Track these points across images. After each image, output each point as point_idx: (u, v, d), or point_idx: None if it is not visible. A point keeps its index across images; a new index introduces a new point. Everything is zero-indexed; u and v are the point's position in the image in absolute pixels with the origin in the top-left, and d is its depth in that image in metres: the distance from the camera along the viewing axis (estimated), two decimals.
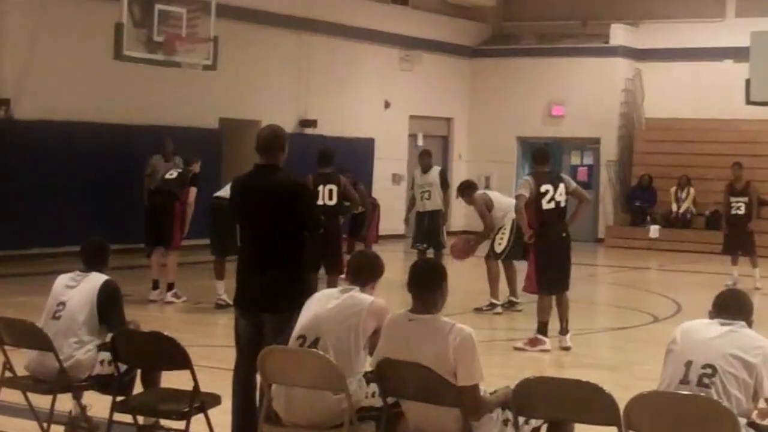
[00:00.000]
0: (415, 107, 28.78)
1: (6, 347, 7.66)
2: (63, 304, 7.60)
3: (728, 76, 26.19)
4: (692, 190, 27.19)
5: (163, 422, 7.26)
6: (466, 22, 30.53)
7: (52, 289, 7.78)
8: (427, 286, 6.21)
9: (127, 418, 7.19)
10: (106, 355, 7.43)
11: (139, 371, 7.52)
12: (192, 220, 15.82)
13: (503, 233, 15.19)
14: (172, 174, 15.89)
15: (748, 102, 21.41)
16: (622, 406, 5.57)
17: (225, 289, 14.55)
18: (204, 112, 22.67)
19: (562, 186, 12.57)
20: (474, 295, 15.78)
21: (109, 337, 7.43)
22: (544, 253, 12.48)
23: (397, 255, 22.04)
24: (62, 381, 7.39)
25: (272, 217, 7.54)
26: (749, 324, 6.00)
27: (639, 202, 28.11)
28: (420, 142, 28.42)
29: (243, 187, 7.91)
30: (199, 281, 17.09)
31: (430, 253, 16.90)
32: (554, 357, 12.37)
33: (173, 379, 7.35)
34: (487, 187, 22.95)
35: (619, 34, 29.23)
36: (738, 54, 24.09)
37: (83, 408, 7.71)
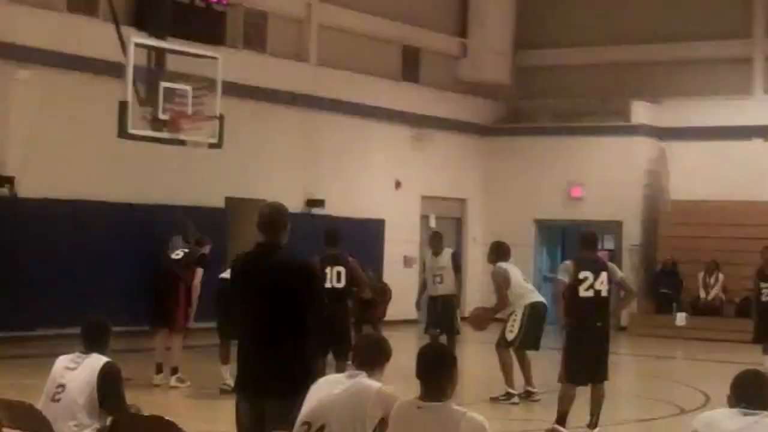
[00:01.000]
0: (427, 187, 28.55)
1: (5, 430, 7.58)
2: (63, 386, 7.53)
3: (757, 155, 25.86)
4: (721, 276, 26.43)
5: None
6: (479, 100, 30.39)
7: (51, 370, 7.70)
8: (435, 372, 6.03)
9: None
10: None
11: None
12: (198, 301, 15.65)
13: (514, 320, 14.85)
14: (178, 254, 15.82)
15: None
16: None
17: (230, 374, 14.26)
18: (210, 191, 22.73)
19: (604, 274, 12.13)
20: (488, 382, 15.40)
21: (109, 420, 7.42)
22: (574, 342, 12.19)
23: (409, 342, 21.55)
24: None
25: (274, 298, 7.46)
26: None
27: (664, 288, 27.30)
28: (432, 223, 27.92)
29: (244, 266, 7.83)
30: (205, 365, 16.79)
31: (443, 339, 16.37)
32: None
33: None
34: None
35: (641, 112, 28.75)
36: (767, 132, 23.69)
37: None
